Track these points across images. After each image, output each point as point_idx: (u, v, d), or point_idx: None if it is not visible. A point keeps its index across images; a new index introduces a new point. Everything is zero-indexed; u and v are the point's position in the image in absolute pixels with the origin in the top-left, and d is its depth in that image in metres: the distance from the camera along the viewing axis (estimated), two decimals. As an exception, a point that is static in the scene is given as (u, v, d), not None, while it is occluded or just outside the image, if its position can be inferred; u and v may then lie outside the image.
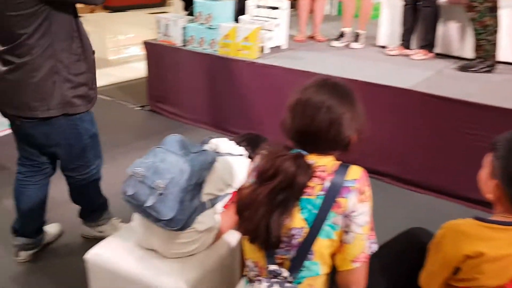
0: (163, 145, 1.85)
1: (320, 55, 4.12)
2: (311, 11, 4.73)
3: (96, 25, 6.64)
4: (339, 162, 1.40)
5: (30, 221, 2.38)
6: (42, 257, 2.44)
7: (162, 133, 4.10)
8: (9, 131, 2.34)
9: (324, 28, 4.99)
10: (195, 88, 4.23)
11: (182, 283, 1.70)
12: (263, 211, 1.34)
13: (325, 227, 1.33)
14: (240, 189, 1.55)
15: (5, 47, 1.97)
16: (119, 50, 6.63)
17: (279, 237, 1.34)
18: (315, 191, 1.34)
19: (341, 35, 4.49)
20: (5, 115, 2.17)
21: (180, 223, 1.73)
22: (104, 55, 6.24)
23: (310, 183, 1.34)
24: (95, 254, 1.86)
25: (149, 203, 1.71)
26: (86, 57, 2.10)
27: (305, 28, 4.71)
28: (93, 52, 2.17)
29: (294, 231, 1.34)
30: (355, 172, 1.37)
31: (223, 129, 4.10)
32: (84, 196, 2.44)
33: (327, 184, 1.34)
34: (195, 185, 1.79)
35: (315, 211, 1.33)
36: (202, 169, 1.83)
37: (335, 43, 4.47)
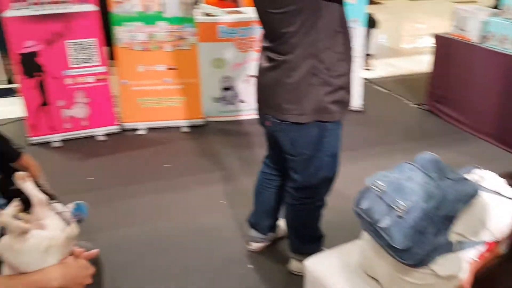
0: (415, 162, 1.55)
1: None
2: None
3: (393, 12, 6.45)
4: None
5: (264, 219, 2.40)
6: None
7: (434, 137, 3.77)
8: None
9: None
10: (485, 93, 3.60)
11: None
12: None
13: None
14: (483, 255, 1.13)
15: (270, 44, 1.90)
16: (409, 40, 6.31)
17: None
18: None
19: None
20: (258, 113, 2.11)
21: (415, 257, 1.42)
22: (392, 45, 6.03)
23: None
24: (313, 263, 1.72)
25: (383, 223, 1.46)
26: (348, 56, 1.86)
27: None
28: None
29: None
30: None
31: (511, 146, 3.40)
32: (302, 221, 2.21)
33: None
34: (444, 218, 1.44)
35: None
36: (457, 200, 1.45)
37: None
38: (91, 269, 1.41)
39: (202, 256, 2.42)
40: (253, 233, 2.42)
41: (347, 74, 1.88)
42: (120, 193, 3.00)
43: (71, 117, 3.66)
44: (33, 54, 3.45)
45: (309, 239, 2.23)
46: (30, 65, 3.46)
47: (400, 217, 1.42)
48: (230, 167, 3.29)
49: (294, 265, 2.28)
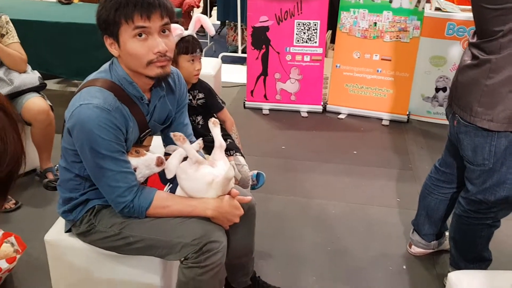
0: None
1: None
2: None
3: None
4: None
5: (426, 225, 2.24)
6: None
7: None
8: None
9: None
10: None
11: None
12: None
13: None
14: None
15: (478, 40, 1.76)
16: None
17: None
18: None
19: None
20: (447, 110, 1.98)
21: None
22: None
23: None
24: (458, 277, 1.57)
25: None
26: None
27: None
28: None
29: None
30: None
31: None
32: (466, 236, 2.00)
33: None
34: None
35: None
36: None
37: None
38: (241, 211, 1.61)
39: (359, 243, 2.43)
40: (415, 236, 2.30)
41: None
42: (305, 166, 3.19)
43: (282, 90, 4.00)
44: (264, 29, 3.86)
45: (471, 258, 2.02)
46: (260, 38, 3.88)
47: None
48: (419, 169, 3.15)
49: None
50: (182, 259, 1.55)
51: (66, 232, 1.71)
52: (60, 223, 1.76)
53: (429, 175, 2.21)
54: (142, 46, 1.41)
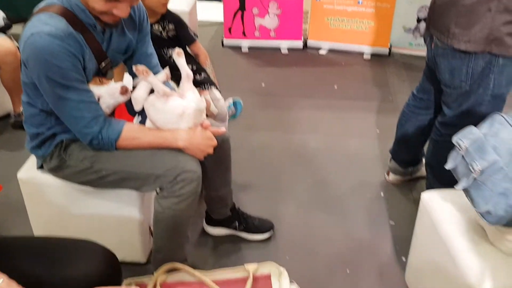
0: (507, 114, 1.36)
1: None
2: None
3: None
4: None
5: (404, 152, 2.26)
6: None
7: None
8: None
9: None
10: None
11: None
12: None
13: None
14: None
15: None
16: None
17: None
18: None
19: None
20: (424, 33, 1.94)
21: (502, 220, 1.29)
22: None
23: None
24: (429, 197, 1.60)
25: (460, 186, 1.39)
26: None
27: None
28: None
29: None
30: None
31: None
32: (441, 160, 2.02)
33: None
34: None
35: None
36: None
37: None
38: (214, 142, 1.59)
39: (339, 173, 2.45)
40: (393, 164, 2.33)
41: None
42: (284, 102, 3.16)
43: (261, 26, 3.89)
44: (240, -39, 3.70)
45: (447, 182, 2.04)
46: (236, -29, 3.73)
47: (475, 179, 1.33)
48: (399, 101, 3.14)
49: None
50: (158, 190, 1.55)
51: (38, 168, 1.69)
52: (33, 160, 1.74)
53: (406, 103, 2.20)
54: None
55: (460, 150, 1.41)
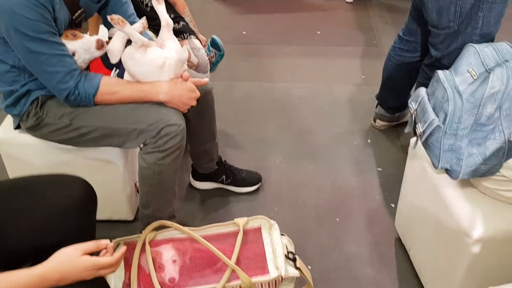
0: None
1: None
2: None
3: None
4: None
5: (390, 97, 2.23)
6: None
7: None
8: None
9: None
10: None
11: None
12: None
13: None
14: None
15: None
16: None
17: None
18: None
19: None
20: None
21: (456, 174, 1.35)
22: None
23: None
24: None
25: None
26: None
27: None
28: None
29: None
30: None
31: None
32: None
33: None
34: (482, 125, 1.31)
35: None
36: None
37: None
38: (197, 93, 1.53)
39: (324, 122, 2.42)
40: (379, 110, 2.30)
41: None
42: (267, 50, 3.07)
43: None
44: None
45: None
46: None
47: (425, 140, 1.40)
48: (384, 45, 3.08)
49: None
50: (141, 145, 1.50)
51: (15, 128, 1.61)
52: (9, 120, 1.66)
53: (392, 46, 2.14)
54: None
55: (413, 114, 1.47)
